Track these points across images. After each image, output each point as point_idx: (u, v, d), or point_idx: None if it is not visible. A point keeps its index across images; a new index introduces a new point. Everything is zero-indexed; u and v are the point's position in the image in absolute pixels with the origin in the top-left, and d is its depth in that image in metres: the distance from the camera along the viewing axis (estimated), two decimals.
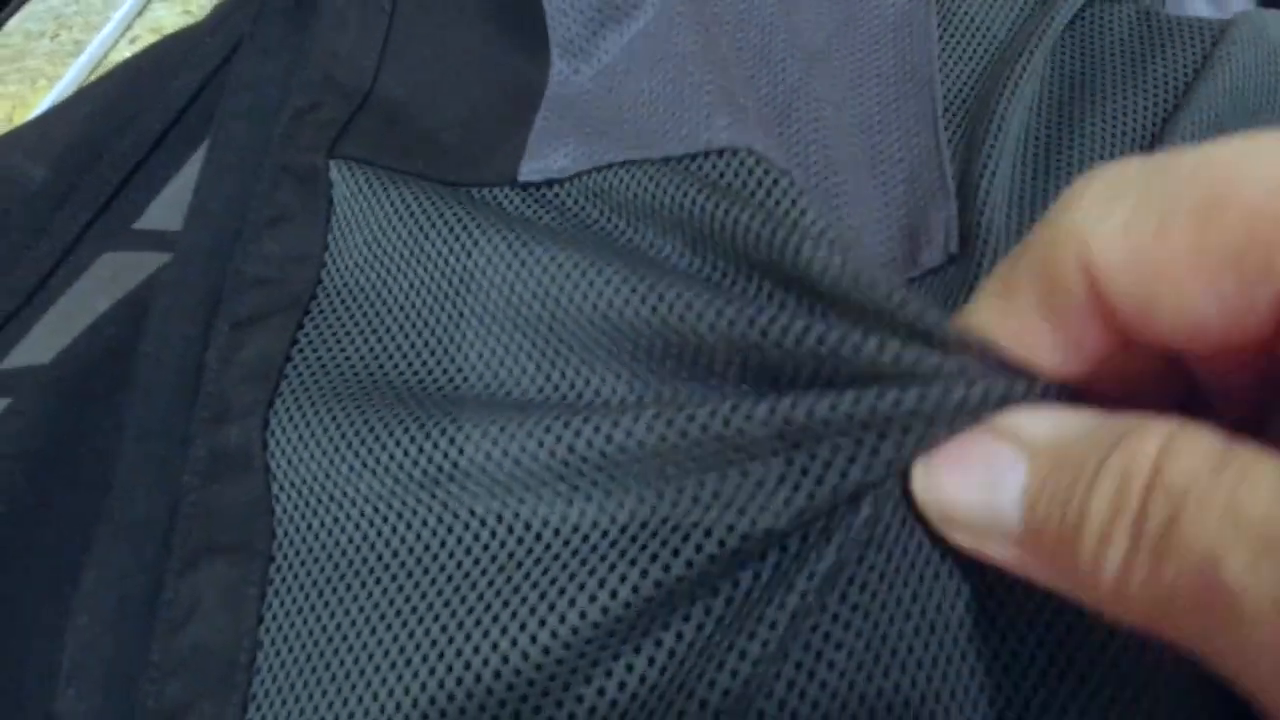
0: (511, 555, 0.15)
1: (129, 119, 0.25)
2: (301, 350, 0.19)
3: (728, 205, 0.17)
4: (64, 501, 0.20)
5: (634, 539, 0.14)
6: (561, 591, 0.14)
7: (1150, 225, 0.10)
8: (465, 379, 0.18)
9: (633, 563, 0.14)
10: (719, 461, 0.14)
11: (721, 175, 0.18)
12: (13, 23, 0.36)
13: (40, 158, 0.24)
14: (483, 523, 0.15)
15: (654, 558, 0.13)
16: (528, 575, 0.15)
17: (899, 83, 0.24)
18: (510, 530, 0.15)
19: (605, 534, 0.14)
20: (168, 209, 0.24)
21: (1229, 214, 0.10)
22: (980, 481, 0.12)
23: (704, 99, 0.20)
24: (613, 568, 0.14)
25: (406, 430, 0.17)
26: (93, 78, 0.33)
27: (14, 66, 0.35)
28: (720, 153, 0.18)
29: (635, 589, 0.13)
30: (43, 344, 0.21)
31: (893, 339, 0.13)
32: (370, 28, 0.24)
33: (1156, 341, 0.11)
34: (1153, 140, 0.22)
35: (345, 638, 0.16)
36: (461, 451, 0.16)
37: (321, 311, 0.20)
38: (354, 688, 0.15)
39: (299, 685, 0.15)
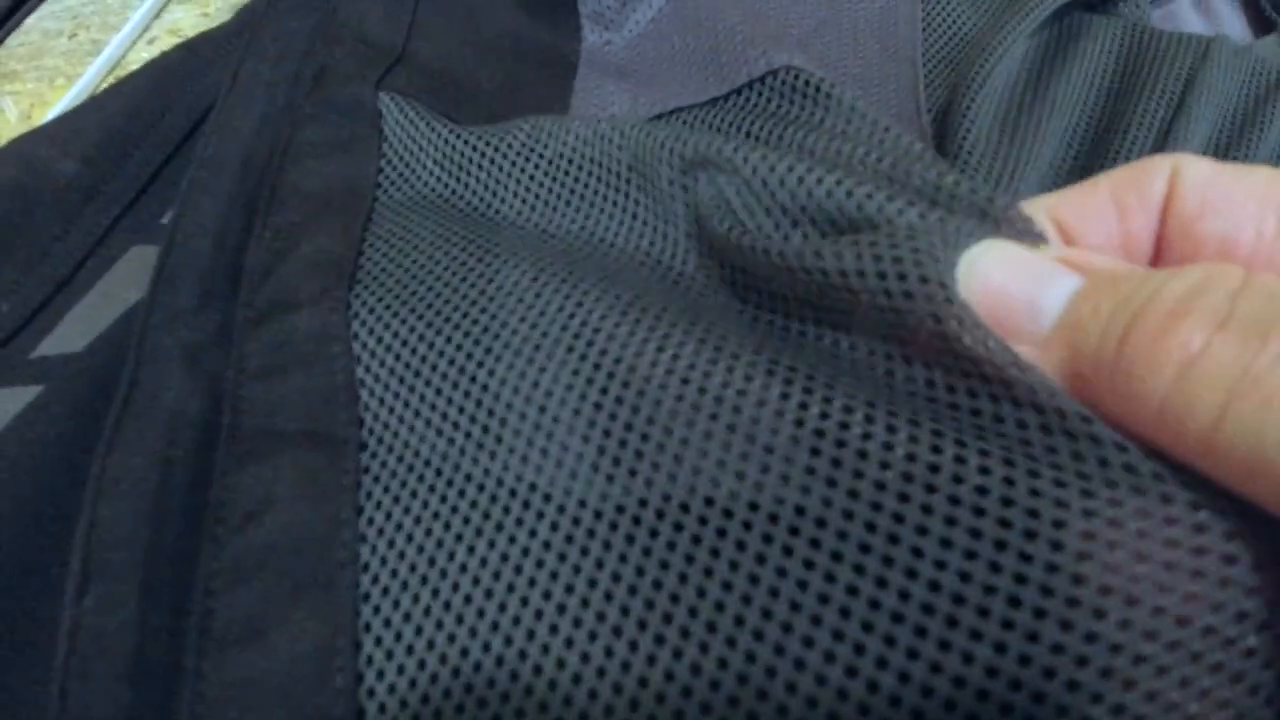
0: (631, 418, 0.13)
1: (158, 116, 0.25)
2: (373, 247, 0.18)
3: (771, 121, 0.18)
4: None
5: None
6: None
7: (1236, 168, 0.12)
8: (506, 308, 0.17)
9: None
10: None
11: (763, 97, 0.19)
12: (31, 21, 0.36)
13: (70, 152, 0.24)
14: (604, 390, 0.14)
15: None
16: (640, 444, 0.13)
17: (882, 63, 0.25)
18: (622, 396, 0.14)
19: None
20: None
21: None
22: (1030, 276, 0.12)
23: (737, 39, 0.20)
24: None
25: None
26: (111, 77, 0.33)
27: (32, 64, 0.35)
28: (761, 79, 0.19)
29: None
30: (75, 333, 0.22)
31: (935, 209, 0.13)
32: (397, 5, 0.24)
33: (1190, 251, 0.12)
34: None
35: (466, 533, 0.14)
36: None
37: (387, 222, 0.19)
38: (486, 591, 0.13)
39: (425, 585, 0.13)
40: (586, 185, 0.18)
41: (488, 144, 0.19)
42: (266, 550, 0.13)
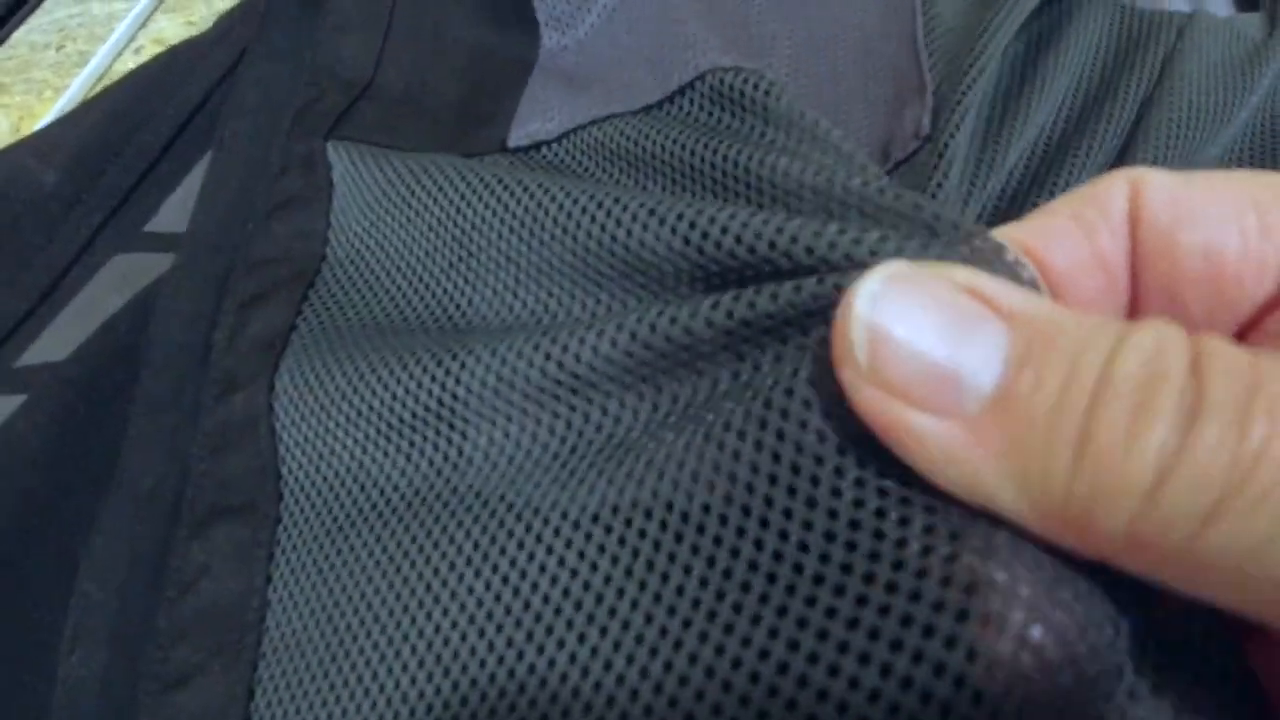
0: (500, 492, 0.15)
1: (138, 125, 0.25)
2: (305, 319, 0.20)
3: (693, 131, 0.17)
4: (80, 493, 0.20)
5: (609, 459, 0.14)
6: (546, 522, 0.13)
7: (1201, 175, 0.12)
8: (464, 314, 0.18)
9: (607, 486, 0.13)
10: (675, 366, 0.13)
11: (692, 103, 0.19)
12: (18, 34, 0.37)
13: (52, 162, 0.24)
14: (469, 461, 0.16)
15: (625, 480, 0.13)
16: (516, 513, 0.14)
17: (883, 19, 0.25)
18: (495, 466, 0.15)
19: (583, 456, 0.14)
20: (177, 211, 0.24)
21: (1262, 180, 0.11)
22: (943, 325, 0.10)
23: (679, 42, 0.20)
24: (591, 489, 0.13)
25: (398, 375, 0.17)
26: (98, 88, 0.34)
27: (20, 77, 0.35)
28: (690, 84, 0.19)
29: (615, 508, 0.13)
30: (58, 342, 0.22)
31: (849, 225, 0.12)
32: (372, 24, 0.24)
33: (1173, 264, 0.12)
34: (1129, 133, 0.22)
35: (350, 590, 0.16)
36: (456, 385, 0.16)
37: (325, 283, 0.20)
38: (357, 640, 0.15)
39: (306, 642, 0.16)
40: (469, 251, 0.18)
41: (411, 203, 0.20)
42: (200, 614, 0.16)
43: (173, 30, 0.34)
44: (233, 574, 0.17)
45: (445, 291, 0.18)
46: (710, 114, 0.18)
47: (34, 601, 0.19)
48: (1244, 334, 0.12)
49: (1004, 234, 0.12)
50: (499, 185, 0.18)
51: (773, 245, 0.13)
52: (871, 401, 0.10)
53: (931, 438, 0.09)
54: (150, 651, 0.17)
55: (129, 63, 0.34)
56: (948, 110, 0.22)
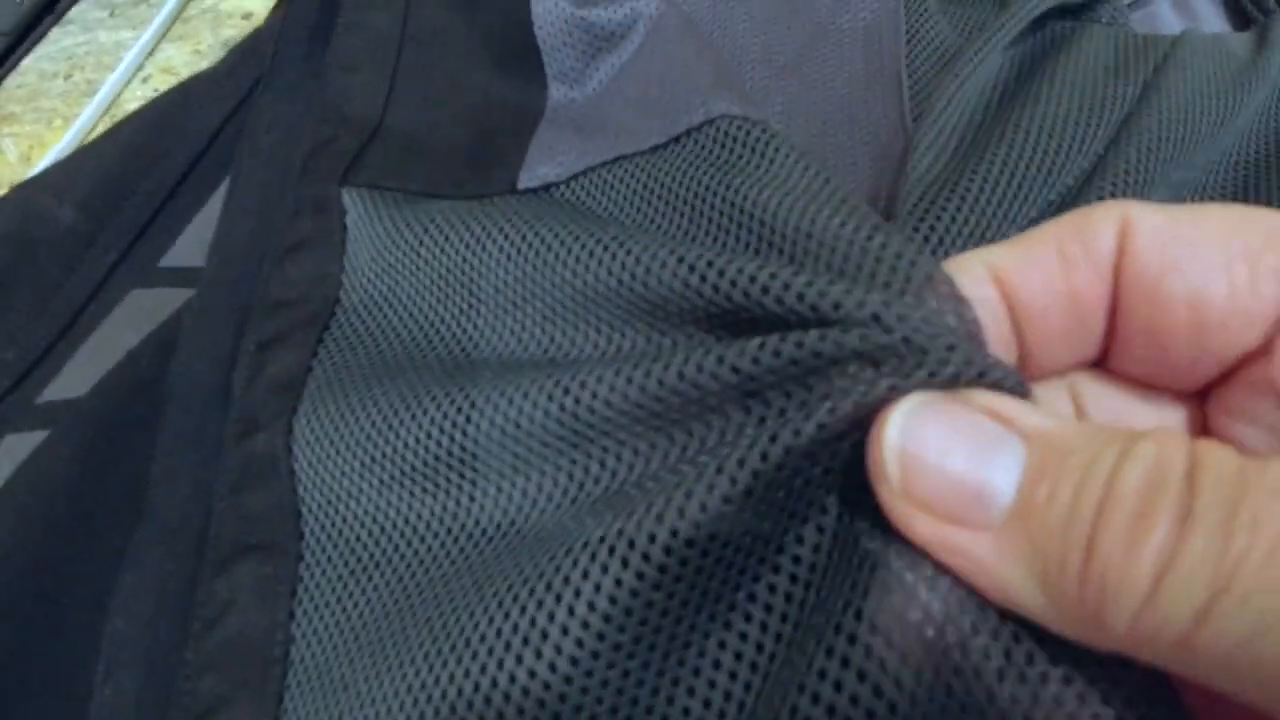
0: (520, 536, 0.16)
1: (152, 161, 0.26)
2: (320, 361, 0.20)
3: (701, 172, 0.18)
4: (105, 526, 0.21)
5: (619, 511, 0.14)
6: (566, 580, 0.13)
7: (1189, 214, 0.12)
8: (475, 356, 0.19)
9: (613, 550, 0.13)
10: (685, 416, 0.14)
11: (701, 146, 0.19)
12: (27, 62, 0.37)
13: (68, 199, 0.25)
14: (482, 507, 0.16)
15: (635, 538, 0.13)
16: (535, 562, 0.14)
17: (868, 83, 0.25)
18: (506, 512, 0.16)
19: (591, 499, 0.15)
20: (192, 246, 0.25)
21: (1255, 224, 0.12)
22: (969, 450, 0.11)
23: (686, 88, 0.21)
24: (605, 541, 0.13)
25: (416, 420, 0.17)
26: (107, 117, 0.34)
27: (30, 106, 0.36)
28: (699, 127, 0.20)
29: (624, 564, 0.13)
30: (78, 379, 0.22)
31: (853, 286, 0.13)
32: (380, 66, 0.25)
33: (1157, 310, 0.12)
34: (1101, 155, 0.23)
35: (371, 628, 0.16)
36: (472, 433, 0.16)
37: (340, 326, 0.21)
38: (379, 676, 0.15)
39: (331, 677, 0.16)
40: (479, 296, 0.19)
41: (420, 251, 0.20)
42: (226, 646, 0.17)
43: (180, 58, 0.35)
44: (257, 609, 0.18)
45: (456, 336, 0.19)
46: (718, 156, 0.18)
47: (67, 635, 0.19)
48: (1226, 379, 0.12)
49: (985, 258, 0.13)
50: (508, 227, 0.18)
51: (780, 300, 0.13)
52: (906, 516, 0.11)
53: (963, 549, 0.11)
54: (179, 683, 0.17)
55: (137, 91, 0.34)
56: (916, 136, 0.22)
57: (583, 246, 0.17)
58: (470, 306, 0.19)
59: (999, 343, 0.13)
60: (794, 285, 0.13)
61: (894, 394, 0.12)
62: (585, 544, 0.13)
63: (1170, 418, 0.13)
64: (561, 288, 0.17)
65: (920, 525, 0.11)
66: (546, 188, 0.22)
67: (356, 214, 0.22)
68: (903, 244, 0.13)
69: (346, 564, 0.17)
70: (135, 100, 0.34)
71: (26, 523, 0.21)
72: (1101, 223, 0.12)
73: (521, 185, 0.22)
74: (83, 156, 0.26)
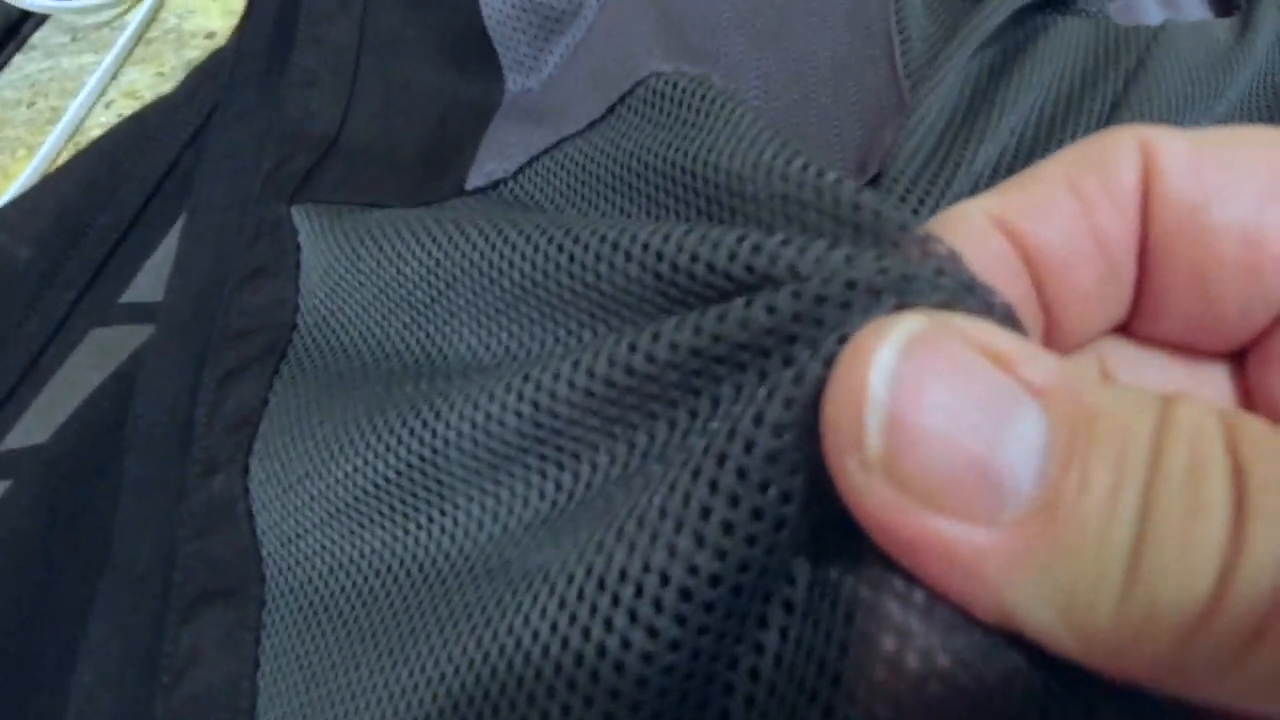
0: (485, 556, 0.15)
1: (109, 194, 0.25)
2: (276, 394, 0.20)
3: (634, 139, 0.17)
4: (73, 576, 0.20)
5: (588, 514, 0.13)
6: (533, 597, 0.12)
7: (1221, 137, 0.10)
8: (431, 368, 0.18)
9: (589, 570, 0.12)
10: (644, 400, 0.13)
11: (633, 110, 0.18)
12: None
13: (24, 237, 0.24)
14: (443, 529, 0.15)
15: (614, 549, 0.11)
16: (493, 581, 0.14)
17: (854, 44, 0.24)
18: (479, 529, 0.15)
19: (562, 511, 0.14)
20: (152, 280, 0.24)
21: None
22: (978, 409, 0.08)
23: (627, 58, 0.20)
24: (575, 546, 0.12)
25: (374, 435, 0.16)
26: (71, 145, 0.33)
27: None
28: (630, 91, 0.18)
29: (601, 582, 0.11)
30: (40, 423, 0.22)
31: (818, 239, 0.11)
32: (338, 78, 0.24)
33: (1201, 248, 0.10)
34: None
35: (326, 674, 0.16)
36: (434, 435, 0.15)
37: (295, 353, 0.20)
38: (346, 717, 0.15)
39: None
40: (429, 301, 0.18)
41: (360, 265, 0.19)
42: (193, 700, 0.16)
43: (143, 81, 0.34)
44: (222, 659, 0.17)
45: (409, 347, 0.18)
46: (650, 119, 0.17)
47: (35, 690, 0.19)
48: (1268, 332, 0.10)
49: (987, 205, 0.10)
50: (454, 231, 0.17)
51: (731, 257, 0.12)
52: (885, 504, 0.08)
53: (959, 550, 0.08)
54: None
55: (101, 117, 0.34)
56: (904, 117, 0.22)
57: (528, 240, 0.16)
58: (421, 313, 0.18)
59: (1020, 305, 0.10)
60: (765, 247, 0.11)
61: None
62: (619, 531, 0.11)
63: (1209, 385, 0.11)
64: (512, 288, 0.16)
65: (905, 521, 0.08)
66: (494, 185, 0.21)
67: (306, 231, 0.21)
68: (868, 193, 0.11)
69: (300, 607, 0.17)
70: (99, 126, 0.34)
71: None
72: (1118, 151, 0.10)
73: (469, 185, 0.21)
74: (37, 192, 0.25)
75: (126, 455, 0.20)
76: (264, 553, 0.18)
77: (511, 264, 0.16)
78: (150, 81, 0.34)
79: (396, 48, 0.25)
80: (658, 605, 0.10)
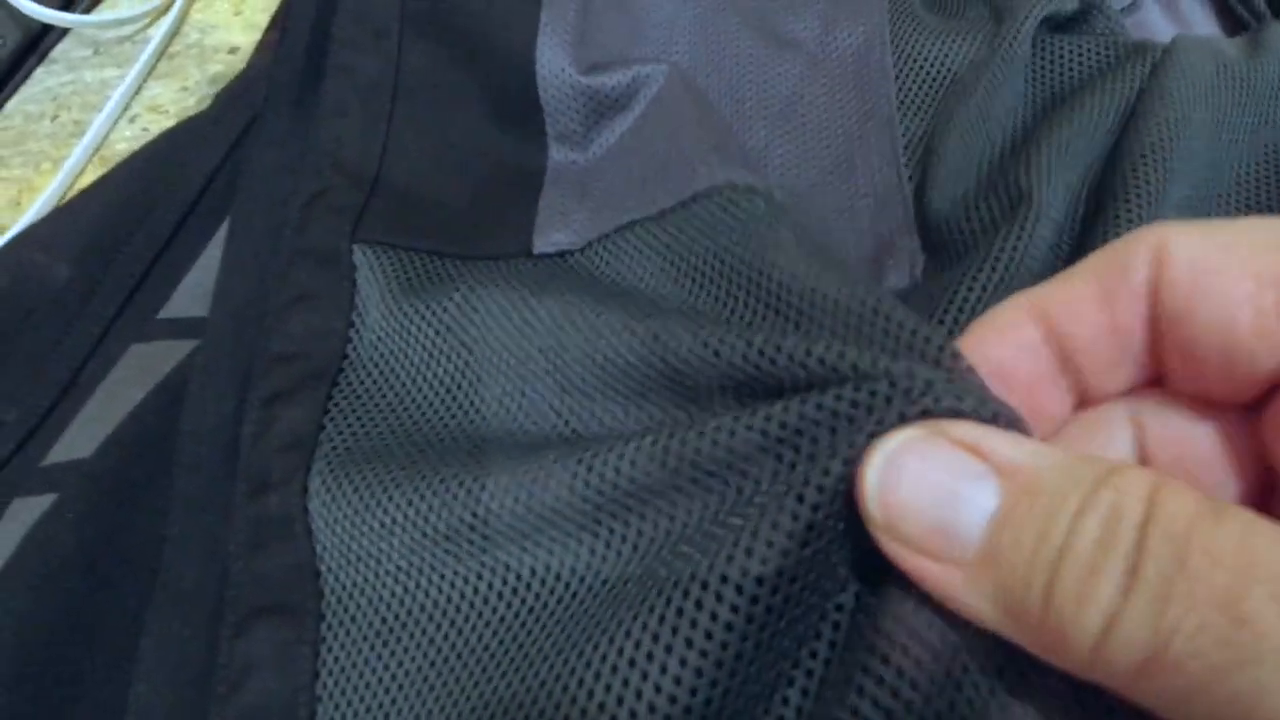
0: (545, 606, 0.16)
1: (144, 212, 0.26)
2: (333, 419, 0.20)
3: (711, 238, 0.19)
4: (121, 589, 0.21)
5: (654, 586, 0.14)
6: (595, 644, 0.14)
7: (1221, 231, 0.12)
8: (488, 427, 0.19)
9: (652, 609, 0.14)
10: (718, 478, 0.15)
11: (709, 212, 0.20)
12: (11, 104, 0.37)
13: (62, 255, 0.25)
14: (517, 576, 0.16)
15: (681, 604, 0.13)
16: (563, 628, 0.15)
17: (861, 124, 0.25)
18: (543, 582, 0.16)
19: (627, 581, 0.15)
20: (189, 297, 0.25)
21: None
22: (940, 490, 0.12)
23: (690, 155, 0.22)
24: (635, 618, 0.14)
25: (432, 487, 0.18)
26: (96, 158, 0.34)
27: (16, 150, 0.35)
28: (705, 193, 0.20)
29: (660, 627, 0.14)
30: (84, 438, 0.22)
31: (866, 351, 0.14)
32: (372, 115, 0.25)
33: (1188, 337, 0.12)
34: (1102, 169, 0.23)
35: (399, 689, 0.17)
36: (486, 504, 0.17)
37: (349, 383, 0.21)
38: None
39: None
40: (496, 368, 0.19)
41: (432, 319, 0.21)
42: (249, 711, 0.17)
43: (167, 96, 0.35)
44: (278, 672, 0.17)
45: (473, 406, 0.19)
46: (724, 224, 0.19)
47: (88, 703, 0.19)
48: (1261, 401, 0.13)
49: (1032, 300, 0.13)
50: (527, 297, 0.19)
51: (804, 365, 0.14)
52: (886, 547, 0.12)
53: (937, 581, 0.12)
54: None
55: (125, 131, 0.34)
56: (925, 174, 0.23)
57: (599, 317, 0.18)
58: (483, 378, 0.19)
59: (1044, 378, 0.14)
60: (815, 350, 0.14)
61: (878, 433, 0.13)
62: (661, 593, 0.13)
63: (1229, 432, 0.13)
64: (581, 360, 0.17)
65: (902, 559, 0.12)
66: (561, 254, 0.22)
67: (367, 272, 0.22)
68: (915, 318, 0.14)
69: (373, 626, 0.17)
70: (124, 140, 0.34)
71: (40, 592, 0.20)
72: (1137, 252, 0.13)
73: (537, 250, 0.22)
74: (72, 210, 0.26)
75: (175, 472, 0.21)
76: (322, 569, 0.18)
77: (585, 337, 0.18)
78: (174, 96, 0.35)
79: (434, 94, 0.26)
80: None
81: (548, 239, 0.22)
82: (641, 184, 0.22)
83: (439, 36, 0.26)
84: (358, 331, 0.22)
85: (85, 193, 0.26)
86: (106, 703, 0.20)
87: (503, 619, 0.16)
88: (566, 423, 0.18)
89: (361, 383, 0.21)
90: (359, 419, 0.20)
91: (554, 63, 0.25)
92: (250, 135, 0.26)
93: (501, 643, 0.16)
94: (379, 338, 0.21)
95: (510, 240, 0.23)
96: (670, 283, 0.20)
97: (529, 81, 0.25)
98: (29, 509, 0.21)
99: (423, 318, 0.20)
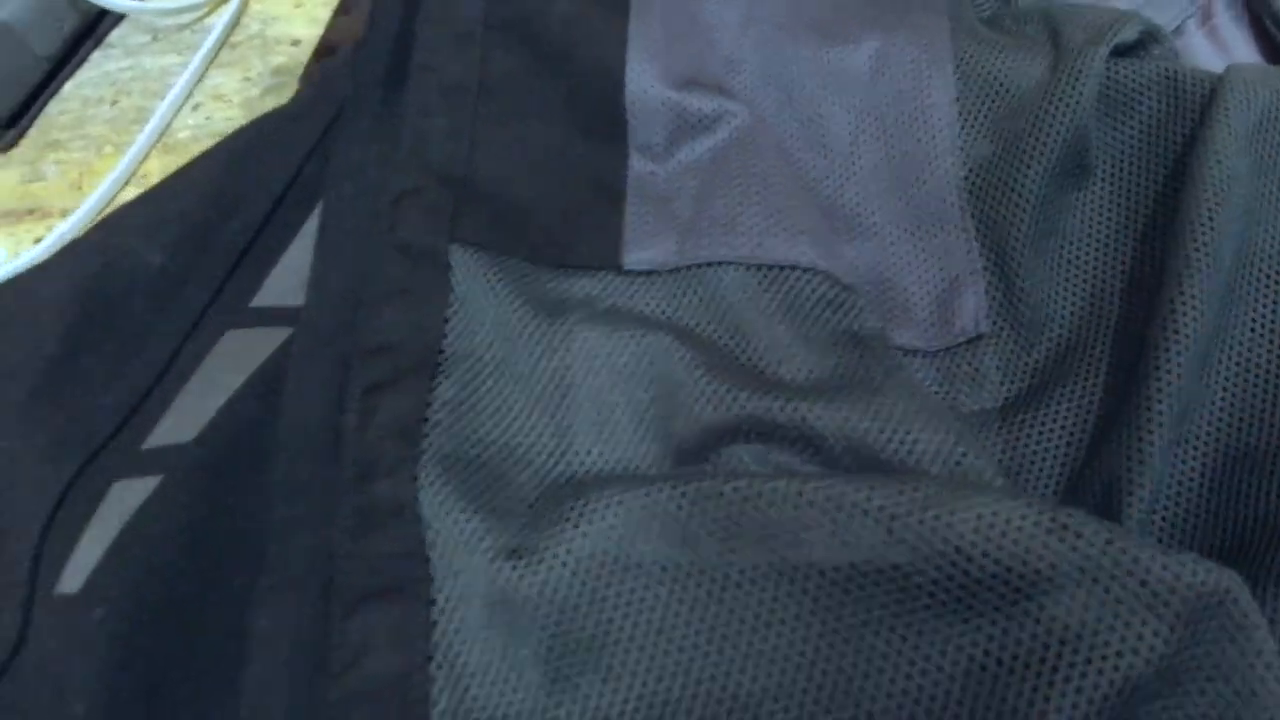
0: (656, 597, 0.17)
1: (233, 203, 0.26)
2: (437, 412, 0.21)
3: (809, 321, 0.21)
4: (224, 571, 0.21)
5: None
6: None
7: None
8: (578, 456, 0.20)
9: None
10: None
11: (803, 288, 0.22)
12: (69, 88, 0.37)
13: (157, 241, 0.25)
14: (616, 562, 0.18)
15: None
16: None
17: (922, 166, 0.26)
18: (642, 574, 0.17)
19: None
20: (280, 287, 0.25)
21: None
22: None
23: (791, 217, 0.23)
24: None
25: (534, 484, 0.19)
26: (160, 144, 0.34)
27: (76, 133, 0.36)
28: (805, 270, 0.22)
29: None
30: (184, 422, 0.23)
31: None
32: (457, 117, 0.25)
33: None
34: (1172, 207, 0.24)
35: (515, 674, 0.18)
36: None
37: (454, 380, 0.21)
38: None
39: (490, 713, 0.17)
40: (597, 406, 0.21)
41: (533, 339, 0.22)
42: (363, 692, 0.17)
43: (230, 85, 0.35)
44: (391, 652, 0.18)
45: (558, 428, 0.21)
46: (821, 314, 0.21)
47: (194, 683, 0.20)
48: None
49: None
50: (623, 329, 0.21)
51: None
52: None
53: None
54: None
55: (188, 119, 0.34)
56: (1008, 197, 0.24)
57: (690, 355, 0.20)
58: (569, 397, 0.21)
59: None
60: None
61: None
62: None
63: None
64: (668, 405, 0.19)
65: None
66: (650, 273, 0.23)
67: (465, 273, 0.22)
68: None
69: (485, 609, 0.18)
70: (186, 128, 0.35)
71: (146, 573, 0.21)
72: None
73: (628, 266, 0.23)
74: (160, 197, 0.26)
75: (275, 458, 0.21)
76: (432, 555, 0.19)
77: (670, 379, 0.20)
78: (238, 85, 0.35)
79: (516, 100, 0.26)
80: None
81: (638, 254, 0.23)
82: (728, 225, 0.23)
83: (521, 44, 0.27)
84: (454, 329, 0.22)
85: (169, 182, 0.27)
86: (213, 683, 0.20)
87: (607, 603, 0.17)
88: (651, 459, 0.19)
89: (465, 381, 0.21)
90: (464, 417, 0.21)
91: (643, 76, 0.26)
92: (336, 130, 0.27)
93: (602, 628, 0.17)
94: (485, 344, 0.22)
95: (599, 250, 0.23)
96: (756, 342, 0.21)
97: (614, 92, 0.26)
98: (132, 491, 0.22)
99: (524, 329, 0.21)
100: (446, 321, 0.22)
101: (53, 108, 0.37)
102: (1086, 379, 0.23)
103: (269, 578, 0.20)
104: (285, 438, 0.22)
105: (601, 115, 0.26)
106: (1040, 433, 0.22)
